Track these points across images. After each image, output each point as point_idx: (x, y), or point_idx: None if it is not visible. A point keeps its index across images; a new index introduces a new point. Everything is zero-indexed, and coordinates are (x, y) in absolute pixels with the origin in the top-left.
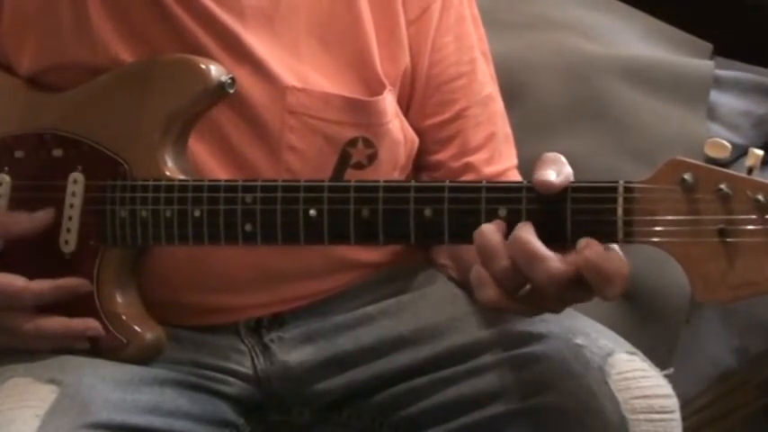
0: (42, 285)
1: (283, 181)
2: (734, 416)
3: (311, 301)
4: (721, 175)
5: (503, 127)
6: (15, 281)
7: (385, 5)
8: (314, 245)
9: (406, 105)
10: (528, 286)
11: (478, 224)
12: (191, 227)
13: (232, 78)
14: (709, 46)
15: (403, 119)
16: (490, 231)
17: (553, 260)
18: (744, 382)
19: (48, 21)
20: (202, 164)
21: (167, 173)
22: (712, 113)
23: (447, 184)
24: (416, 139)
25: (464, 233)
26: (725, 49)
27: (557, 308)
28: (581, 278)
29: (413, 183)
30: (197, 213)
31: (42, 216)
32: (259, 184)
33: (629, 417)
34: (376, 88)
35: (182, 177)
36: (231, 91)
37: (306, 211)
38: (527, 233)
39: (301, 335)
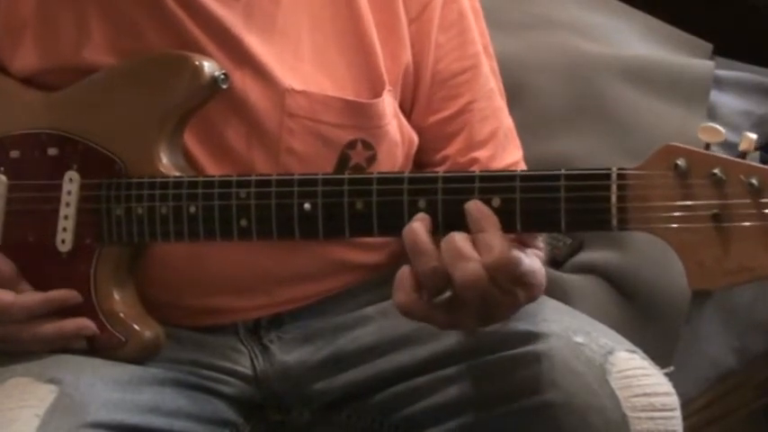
0: (32, 299)
1: (277, 175)
2: (734, 416)
3: (310, 303)
4: (714, 159)
5: (506, 121)
6: (4, 296)
7: (384, 3)
8: (309, 239)
9: (410, 104)
10: (447, 294)
11: None
12: (186, 223)
13: (225, 74)
14: (709, 46)
15: (401, 119)
16: (421, 229)
17: (474, 260)
18: (744, 382)
19: (46, 23)
20: (201, 166)
21: (162, 170)
22: (712, 113)
23: (440, 174)
24: (415, 139)
25: (458, 224)
26: (725, 49)
27: (472, 322)
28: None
29: (406, 174)
30: (192, 209)
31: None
32: (253, 178)
33: (629, 414)
34: (377, 88)
35: (176, 174)
36: (224, 86)
37: (300, 205)
38: (459, 236)
39: (300, 335)
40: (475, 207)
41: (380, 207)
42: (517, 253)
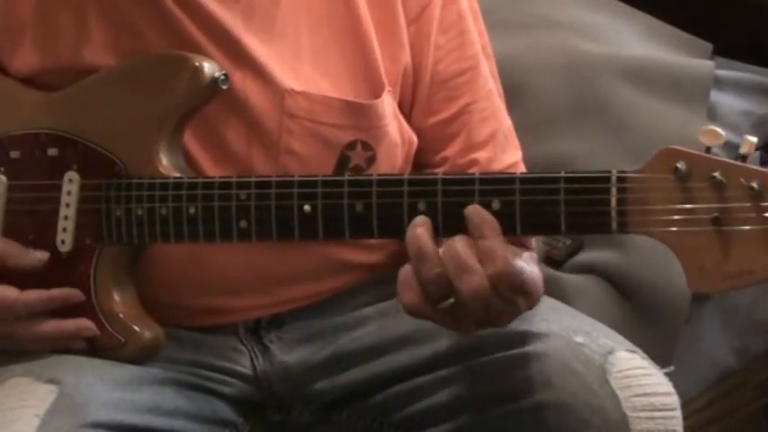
0: (34, 296)
1: (277, 177)
2: (734, 416)
3: (310, 303)
4: (715, 162)
5: (505, 122)
6: (8, 292)
7: (383, 4)
8: (309, 240)
9: (409, 105)
10: (451, 300)
11: None
12: (186, 224)
13: (225, 74)
14: (709, 46)
15: (401, 120)
16: (425, 236)
17: (479, 274)
18: (744, 382)
19: (45, 24)
20: (200, 167)
21: (162, 170)
22: (712, 113)
23: (440, 176)
24: (414, 140)
25: (458, 226)
26: (725, 49)
27: (473, 327)
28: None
29: (406, 176)
30: (192, 210)
31: (36, 256)
32: (253, 180)
33: (629, 414)
34: (376, 89)
35: (176, 175)
36: (224, 87)
37: (300, 207)
38: (462, 244)
39: (300, 335)
40: (475, 212)
41: (380, 209)
42: (519, 262)
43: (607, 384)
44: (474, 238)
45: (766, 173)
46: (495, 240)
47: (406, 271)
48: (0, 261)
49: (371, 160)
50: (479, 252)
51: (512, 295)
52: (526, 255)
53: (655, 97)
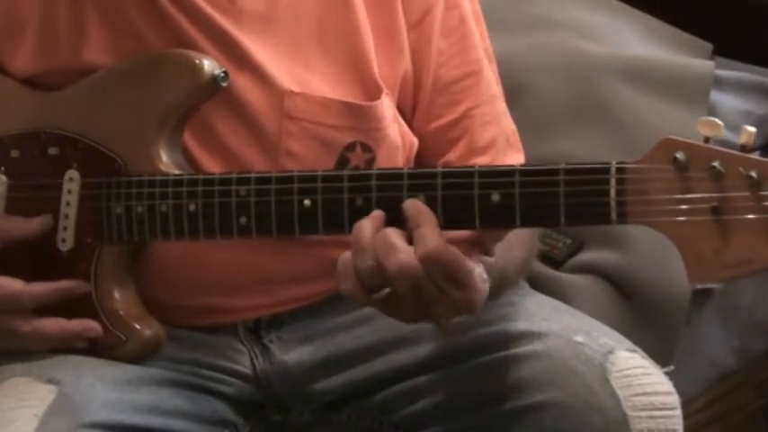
0: (41, 288)
1: (277, 172)
2: (734, 416)
3: (310, 303)
4: (714, 152)
5: (507, 126)
6: (14, 284)
7: (382, 9)
8: (309, 235)
9: (411, 110)
10: (386, 290)
11: (472, 209)
12: (186, 221)
13: (225, 72)
14: (709, 46)
15: (402, 123)
16: (366, 229)
17: (406, 252)
18: (744, 382)
19: (45, 24)
20: (200, 167)
21: (162, 168)
22: (712, 113)
23: (440, 170)
24: (415, 143)
25: (458, 219)
26: (725, 49)
27: (410, 315)
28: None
29: (405, 170)
30: (192, 207)
31: (39, 221)
32: (253, 176)
33: (630, 413)
34: (373, 93)
35: (176, 172)
36: (224, 84)
37: (300, 202)
38: (393, 230)
39: (300, 335)
40: (411, 205)
41: (380, 203)
42: (455, 250)
43: (607, 384)
44: (411, 230)
45: (765, 162)
46: (428, 227)
47: (344, 258)
48: (5, 235)
49: (371, 162)
50: (413, 238)
51: (444, 282)
52: (475, 257)
53: (655, 97)
